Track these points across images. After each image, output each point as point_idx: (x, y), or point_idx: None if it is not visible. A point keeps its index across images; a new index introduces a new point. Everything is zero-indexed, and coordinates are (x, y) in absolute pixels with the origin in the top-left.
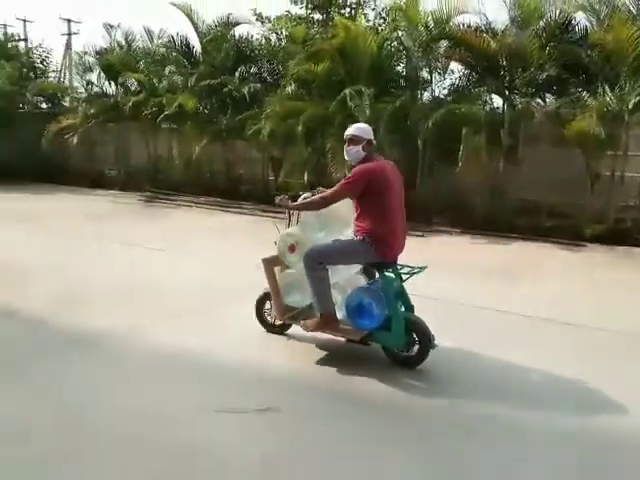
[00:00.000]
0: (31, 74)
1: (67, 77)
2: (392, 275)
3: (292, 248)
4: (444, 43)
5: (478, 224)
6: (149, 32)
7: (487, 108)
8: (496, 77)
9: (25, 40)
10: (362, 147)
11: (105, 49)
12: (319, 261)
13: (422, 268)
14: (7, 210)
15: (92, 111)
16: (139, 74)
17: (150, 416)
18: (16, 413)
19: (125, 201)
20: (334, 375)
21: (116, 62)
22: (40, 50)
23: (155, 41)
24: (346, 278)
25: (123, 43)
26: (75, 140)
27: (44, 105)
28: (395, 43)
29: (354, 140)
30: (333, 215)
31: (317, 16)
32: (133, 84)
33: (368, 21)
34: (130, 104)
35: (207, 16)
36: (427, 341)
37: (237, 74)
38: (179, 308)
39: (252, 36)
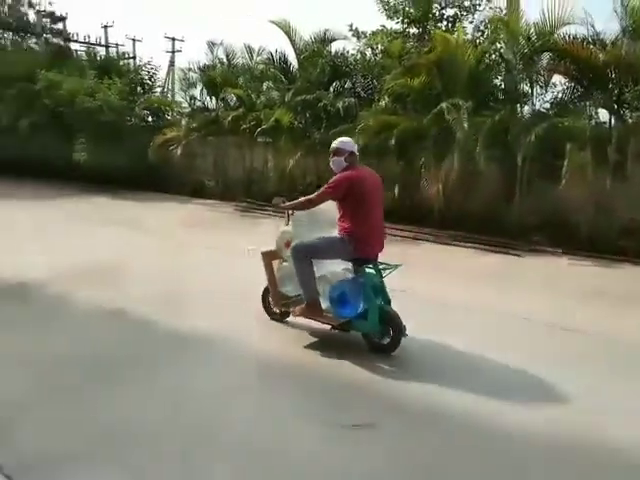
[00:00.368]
0: (139, 89)
1: (170, 92)
2: (372, 271)
3: (288, 244)
4: (547, 55)
5: (581, 244)
6: (249, 49)
7: (593, 122)
8: (604, 90)
9: (134, 58)
10: (344, 158)
11: (208, 66)
12: (305, 254)
13: (397, 266)
14: (114, 215)
15: (194, 125)
16: (239, 90)
17: (265, 426)
18: (133, 415)
19: (222, 210)
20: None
21: (217, 78)
22: (148, 67)
23: (254, 58)
24: (332, 272)
25: (224, 60)
26: (178, 152)
27: (150, 118)
28: (494, 56)
29: (338, 152)
30: (322, 216)
31: (413, 30)
32: (232, 99)
33: (466, 34)
34: (229, 119)
35: (304, 33)
36: (399, 331)
37: (332, 89)
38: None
39: (347, 51)
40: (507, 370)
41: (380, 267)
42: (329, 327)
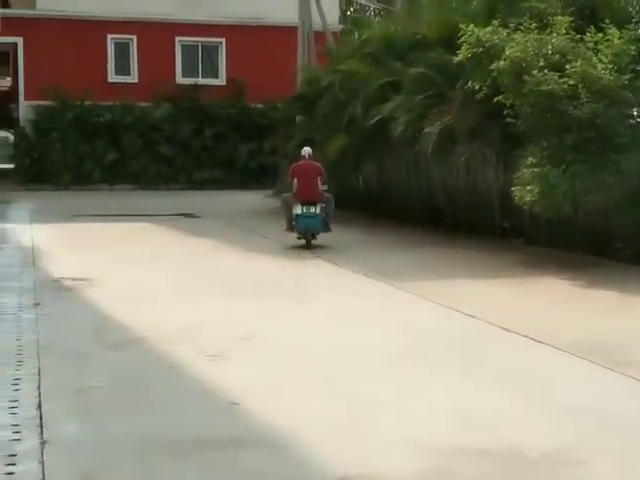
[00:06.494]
0: None
1: None
2: (312, 208)
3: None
4: None
5: None
6: None
7: None
8: None
9: None
10: (302, 157)
11: None
12: (286, 202)
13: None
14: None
15: None
16: None
17: None
18: None
19: None
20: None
21: None
22: None
23: None
24: (299, 211)
25: None
26: None
27: None
28: None
29: (302, 155)
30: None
31: None
32: None
33: None
34: None
35: None
36: (312, 238)
37: None
38: None
39: None
40: None
41: (318, 205)
42: (297, 235)
